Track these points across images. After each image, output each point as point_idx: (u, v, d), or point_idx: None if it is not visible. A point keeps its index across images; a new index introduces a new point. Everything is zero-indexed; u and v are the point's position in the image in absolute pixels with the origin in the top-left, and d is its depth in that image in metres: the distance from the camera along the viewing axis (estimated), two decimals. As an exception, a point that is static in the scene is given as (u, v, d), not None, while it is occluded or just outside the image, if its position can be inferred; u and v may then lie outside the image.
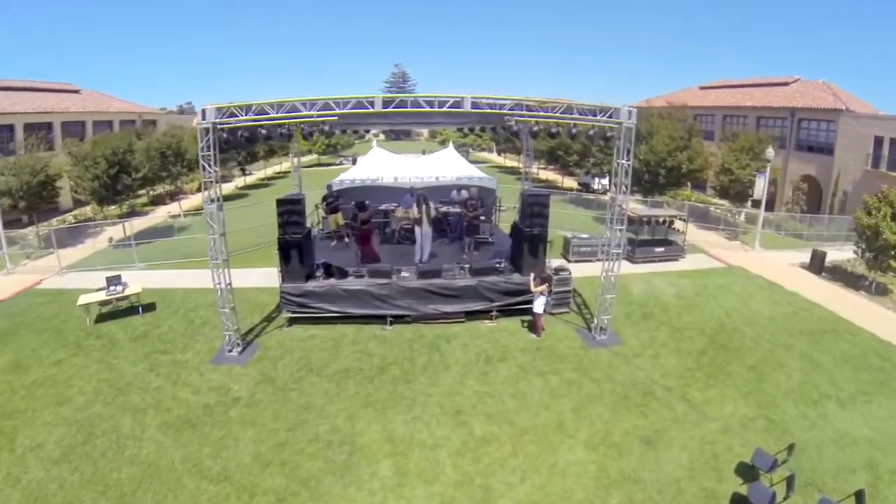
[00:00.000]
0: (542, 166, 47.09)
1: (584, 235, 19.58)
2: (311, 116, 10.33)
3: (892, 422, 9.64)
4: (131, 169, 24.26)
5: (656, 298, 15.20)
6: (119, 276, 14.12)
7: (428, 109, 10.59)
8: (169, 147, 28.92)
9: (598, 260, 18.61)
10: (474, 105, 10.51)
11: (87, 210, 27.45)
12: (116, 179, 23.29)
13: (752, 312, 14.30)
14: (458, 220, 16.36)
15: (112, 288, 13.72)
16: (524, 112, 10.61)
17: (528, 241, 13.01)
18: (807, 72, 36.45)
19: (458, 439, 8.95)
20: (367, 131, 23.48)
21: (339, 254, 15.40)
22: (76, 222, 24.55)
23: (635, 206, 27.91)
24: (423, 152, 58.01)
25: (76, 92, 37.42)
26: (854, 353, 12.15)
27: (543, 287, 12.24)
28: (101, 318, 13.49)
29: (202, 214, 11.68)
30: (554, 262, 15.62)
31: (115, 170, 23.11)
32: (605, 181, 34.73)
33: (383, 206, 17.88)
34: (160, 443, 8.73)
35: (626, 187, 11.56)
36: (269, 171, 45.86)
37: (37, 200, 21.57)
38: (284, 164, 47.62)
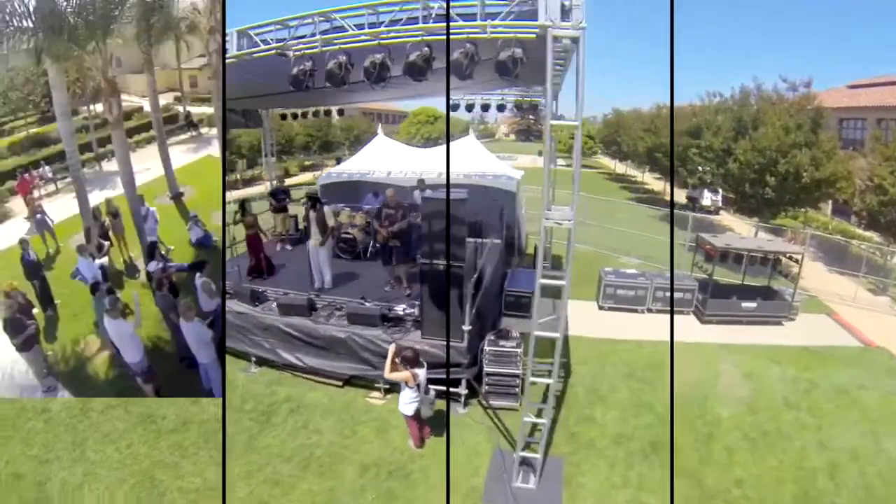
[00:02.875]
0: (657, 176, 39.26)
1: (631, 270, 13.08)
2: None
3: None
4: None
5: (703, 407, 8.19)
6: None
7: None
8: None
9: (648, 311, 12.08)
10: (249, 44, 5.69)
11: None
12: None
13: (884, 468, 6.87)
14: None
15: None
16: (317, 38, 5.24)
17: (429, 281, 7.42)
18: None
19: None
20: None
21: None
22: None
23: (740, 230, 20.12)
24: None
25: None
26: None
27: (406, 374, 6.50)
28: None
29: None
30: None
31: None
32: (718, 197, 26.42)
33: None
34: None
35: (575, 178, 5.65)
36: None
37: None
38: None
